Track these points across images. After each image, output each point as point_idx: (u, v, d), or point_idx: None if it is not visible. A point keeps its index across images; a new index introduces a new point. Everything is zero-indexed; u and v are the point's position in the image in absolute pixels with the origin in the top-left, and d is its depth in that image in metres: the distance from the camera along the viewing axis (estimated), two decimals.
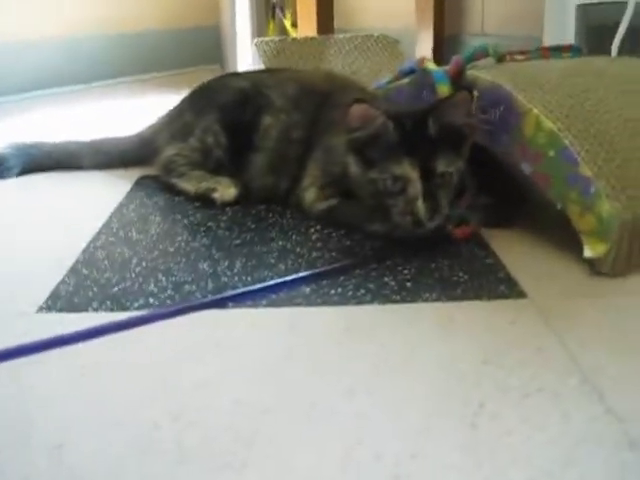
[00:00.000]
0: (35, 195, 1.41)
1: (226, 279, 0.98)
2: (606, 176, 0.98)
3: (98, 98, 2.57)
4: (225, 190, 1.26)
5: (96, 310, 0.90)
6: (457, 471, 0.60)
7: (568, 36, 1.97)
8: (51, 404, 0.71)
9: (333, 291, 0.94)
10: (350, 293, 0.93)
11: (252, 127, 1.27)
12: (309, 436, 0.65)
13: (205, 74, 1.68)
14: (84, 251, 1.09)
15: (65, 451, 0.63)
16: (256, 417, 0.68)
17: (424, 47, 2.56)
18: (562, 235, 1.03)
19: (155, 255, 1.07)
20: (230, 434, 0.65)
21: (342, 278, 0.97)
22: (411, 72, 1.27)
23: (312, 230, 1.15)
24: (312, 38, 1.96)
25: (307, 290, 0.94)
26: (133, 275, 1.00)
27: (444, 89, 1.14)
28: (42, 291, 0.95)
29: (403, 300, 0.91)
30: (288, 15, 2.90)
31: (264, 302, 0.91)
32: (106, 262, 1.05)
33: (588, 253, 0.97)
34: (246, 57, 2.80)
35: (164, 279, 0.98)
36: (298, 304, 0.90)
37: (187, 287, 0.96)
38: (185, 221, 1.21)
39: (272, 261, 1.03)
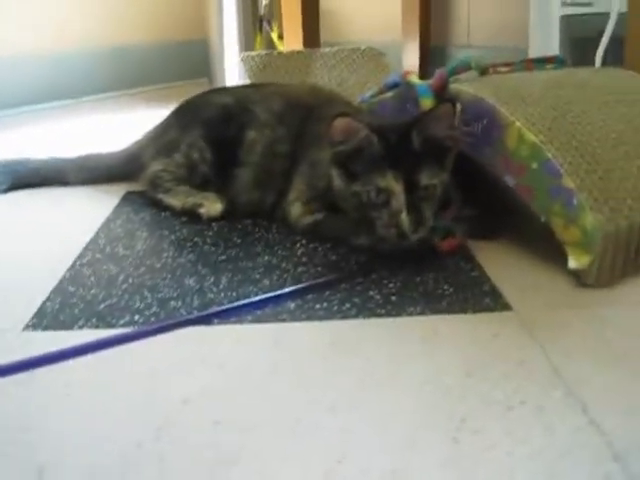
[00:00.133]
0: (21, 211, 1.41)
1: (212, 295, 0.98)
2: (589, 188, 0.98)
3: (87, 113, 2.57)
4: (211, 205, 1.27)
5: (81, 328, 0.90)
6: None
7: (553, 47, 1.99)
8: (35, 424, 0.70)
9: (318, 305, 0.94)
10: (335, 307, 0.93)
11: (237, 142, 1.28)
12: (294, 451, 0.65)
13: (193, 88, 1.68)
14: (70, 268, 1.08)
15: (47, 471, 0.63)
16: (240, 433, 0.68)
17: (410, 59, 2.57)
18: (547, 246, 1.04)
19: (141, 271, 1.07)
20: (214, 450, 0.65)
21: (327, 293, 0.97)
22: (395, 86, 1.28)
23: (298, 245, 1.15)
24: (298, 52, 1.96)
25: (292, 305, 0.94)
26: (119, 292, 1.00)
27: (427, 103, 1.15)
28: (28, 308, 0.95)
29: (388, 314, 0.91)
30: (275, 27, 2.91)
31: (249, 318, 0.91)
32: (92, 279, 1.04)
33: (572, 264, 0.97)
34: (234, 71, 2.81)
35: (150, 296, 0.98)
36: (283, 320, 0.90)
37: (173, 303, 0.96)
38: (172, 237, 1.21)
39: (257, 276, 1.03)
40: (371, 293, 0.97)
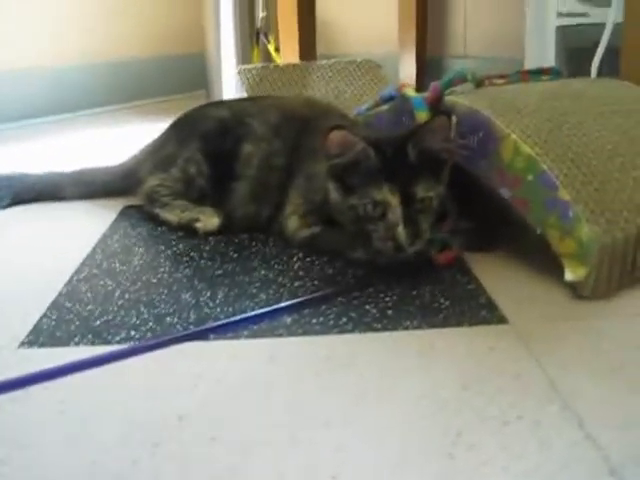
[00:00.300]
0: (18, 226, 1.41)
1: (208, 310, 0.98)
2: (584, 200, 0.98)
3: (84, 127, 2.57)
4: (208, 220, 1.27)
5: (78, 344, 0.90)
6: None
7: (548, 58, 2.00)
8: (30, 442, 0.70)
9: (315, 320, 0.94)
10: (332, 322, 0.93)
11: (233, 156, 1.28)
12: (289, 468, 0.65)
13: (191, 101, 1.69)
14: (67, 283, 1.08)
15: None
16: (235, 450, 0.67)
17: (407, 70, 2.57)
18: (544, 258, 1.04)
19: (138, 287, 1.06)
20: (209, 467, 0.65)
21: (324, 307, 0.97)
22: (391, 98, 1.28)
23: (294, 258, 1.15)
24: (295, 65, 1.97)
25: (289, 320, 0.94)
26: (115, 308, 0.99)
27: (422, 115, 1.15)
28: (24, 325, 0.95)
29: (384, 328, 0.91)
30: (272, 40, 2.92)
31: (245, 333, 0.91)
32: (89, 294, 1.04)
33: (569, 276, 0.97)
34: (231, 84, 2.81)
35: (146, 311, 0.98)
36: (279, 335, 0.90)
37: (169, 319, 0.95)
38: (168, 251, 1.21)
39: (254, 291, 1.03)
40: (367, 307, 0.97)
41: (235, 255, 1.18)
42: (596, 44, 1.83)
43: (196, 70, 2.98)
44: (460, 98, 1.16)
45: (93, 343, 0.90)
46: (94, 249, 1.23)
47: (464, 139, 1.11)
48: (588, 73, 1.81)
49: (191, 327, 0.93)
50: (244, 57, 2.91)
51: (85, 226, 1.38)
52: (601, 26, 1.83)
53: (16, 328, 0.94)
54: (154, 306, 1.00)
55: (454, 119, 1.09)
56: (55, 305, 1.01)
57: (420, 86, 2.46)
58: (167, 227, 1.32)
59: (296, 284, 1.05)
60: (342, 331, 0.91)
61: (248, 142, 1.28)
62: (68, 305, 1.01)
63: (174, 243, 1.25)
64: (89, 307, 1.00)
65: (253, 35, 3.01)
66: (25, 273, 1.15)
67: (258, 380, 0.80)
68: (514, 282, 1.04)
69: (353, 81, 1.93)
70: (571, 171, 1.01)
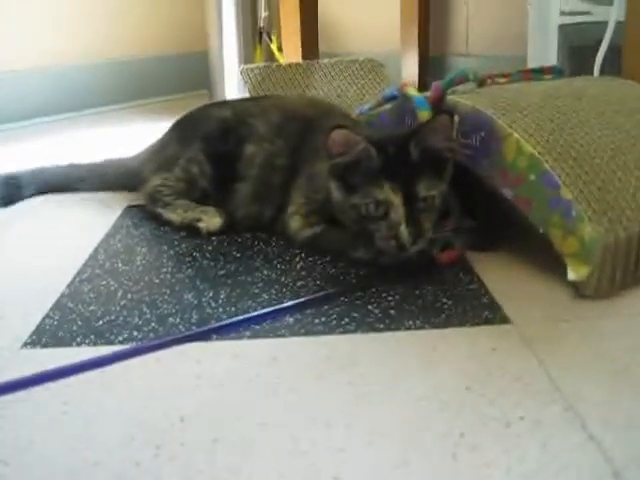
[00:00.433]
0: (21, 226, 1.41)
1: (210, 310, 0.98)
2: (587, 199, 0.98)
3: (87, 126, 2.57)
4: (210, 220, 1.27)
5: (80, 345, 0.90)
6: None
7: (551, 56, 1.99)
8: (32, 443, 0.70)
9: (317, 320, 0.94)
10: (334, 322, 0.93)
11: (236, 156, 1.28)
12: (290, 470, 0.65)
13: (193, 100, 1.69)
14: (70, 284, 1.08)
15: None
16: (237, 452, 0.67)
17: (409, 69, 2.57)
18: (546, 257, 1.03)
19: (140, 287, 1.07)
20: (211, 468, 0.65)
21: (326, 307, 0.97)
22: (393, 98, 1.28)
23: (297, 258, 1.15)
24: (297, 64, 1.96)
25: (291, 320, 0.94)
26: (118, 308, 1.00)
27: (424, 115, 1.15)
28: (27, 325, 0.95)
29: (387, 328, 0.91)
30: (274, 39, 2.92)
31: (248, 334, 0.91)
32: (91, 295, 1.04)
33: (571, 276, 0.97)
34: (234, 83, 2.81)
35: (148, 312, 0.98)
36: (281, 335, 0.90)
37: (171, 319, 0.95)
38: (171, 251, 1.21)
39: (256, 291, 1.03)
40: (370, 307, 0.97)
41: (238, 255, 1.18)
42: (598, 42, 1.82)
43: (199, 69, 2.98)
44: (462, 97, 1.15)
45: (96, 344, 0.90)
46: (97, 249, 1.23)
47: (466, 138, 1.11)
48: (590, 71, 1.81)
49: (193, 327, 0.93)
50: (247, 56, 2.90)
51: (88, 225, 1.38)
52: (603, 24, 1.82)
53: (19, 328, 0.94)
54: (156, 306, 1.00)
55: (456, 118, 1.09)
56: (58, 305, 1.01)
57: (422, 84, 2.46)
58: (170, 227, 1.32)
59: (298, 284, 1.05)
60: (344, 331, 0.91)
61: (250, 142, 1.28)
62: (71, 305, 1.01)
63: (177, 243, 1.25)
64: (91, 307, 1.00)
65: (256, 34, 3.01)
66: (27, 273, 1.15)
67: (260, 380, 0.80)
68: (516, 281, 1.04)
69: (355, 80, 1.92)
70: (573, 170, 1.01)
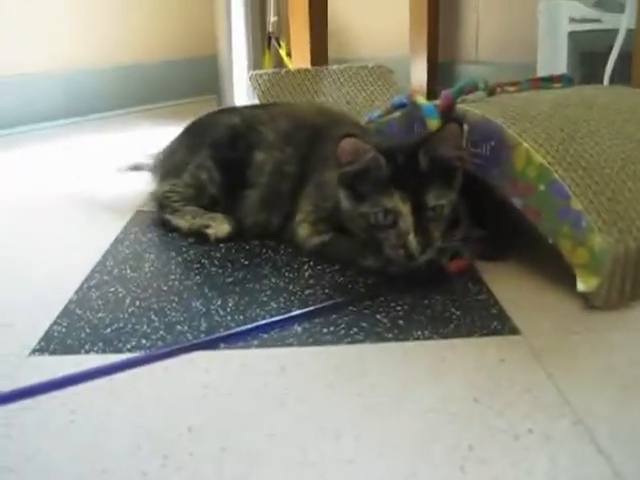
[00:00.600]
0: (29, 232, 1.41)
1: (219, 318, 0.98)
2: (597, 209, 0.98)
3: (94, 131, 2.57)
4: (219, 226, 1.27)
5: (88, 352, 0.90)
6: None
7: (561, 63, 1.99)
8: (39, 451, 0.70)
9: (325, 330, 0.93)
10: (342, 332, 0.93)
11: (245, 163, 1.28)
12: None
13: (202, 105, 1.69)
14: (78, 290, 1.08)
15: None
16: (245, 463, 0.67)
17: (418, 75, 2.57)
18: (556, 267, 1.03)
19: (148, 294, 1.06)
20: (219, 479, 0.65)
21: (335, 316, 0.97)
22: (402, 106, 1.28)
23: (305, 266, 1.15)
24: (306, 70, 1.96)
25: (299, 329, 0.94)
26: (126, 315, 1.00)
27: (434, 123, 1.15)
28: (34, 332, 0.95)
29: (395, 338, 0.91)
30: (283, 45, 2.92)
31: (256, 342, 0.91)
32: (99, 302, 1.04)
33: (581, 287, 0.97)
34: (242, 88, 2.82)
35: (157, 319, 0.98)
36: (290, 344, 0.90)
37: (179, 327, 0.95)
38: (179, 258, 1.21)
39: (265, 299, 1.03)
40: (378, 317, 0.97)
41: (246, 262, 1.18)
42: (609, 50, 1.82)
43: (207, 74, 2.98)
44: (472, 106, 1.15)
45: (104, 351, 0.90)
46: (105, 255, 1.23)
47: (476, 147, 1.11)
48: (600, 79, 1.81)
49: (202, 335, 0.93)
50: (255, 61, 2.91)
51: (96, 231, 1.38)
52: (614, 32, 1.82)
53: (27, 335, 0.94)
54: (165, 314, 1.00)
55: (466, 127, 1.09)
56: (66, 312, 1.01)
57: (431, 90, 2.46)
58: (178, 233, 1.32)
59: (307, 292, 1.05)
60: (353, 341, 0.90)
61: (260, 149, 1.28)
62: (79, 312, 1.01)
63: (185, 250, 1.25)
64: (100, 314, 1.00)
65: (264, 39, 3.01)
66: (35, 279, 1.15)
67: (268, 391, 0.80)
68: (526, 292, 1.04)
69: (365, 86, 1.92)
70: (583, 180, 1.01)
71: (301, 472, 0.66)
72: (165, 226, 1.35)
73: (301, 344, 0.90)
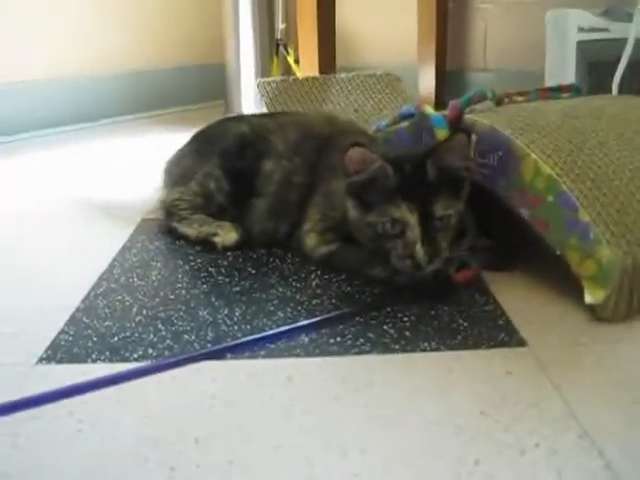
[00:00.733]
0: (36, 239, 1.41)
1: (226, 328, 0.98)
2: (605, 221, 0.98)
3: (104, 136, 2.58)
4: (226, 235, 1.27)
5: (95, 361, 0.90)
6: None
7: (569, 72, 1.99)
8: (46, 461, 0.70)
9: (332, 340, 0.93)
10: (349, 342, 0.93)
11: (253, 172, 1.28)
12: None
13: (210, 111, 1.69)
14: (85, 298, 1.08)
15: None
16: (252, 474, 0.67)
17: (426, 83, 2.57)
18: (563, 279, 1.03)
19: (155, 303, 1.07)
20: None
21: (341, 326, 0.97)
22: (410, 115, 1.28)
23: (312, 275, 1.15)
24: (314, 78, 1.96)
25: (306, 340, 0.94)
26: (133, 324, 1.00)
27: (442, 133, 1.15)
28: (41, 341, 0.95)
29: (402, 350, 0.91)
30: (291, 52, 2.92)
31: (262, 353, 0.91)
32: (107, 310, 1.04)
33: (588, 299, 0.97)
34: (250, 94, 2.82)
35: (163, 328, 0.98)
36: (296, 355, 0.90)
37: (186, 337, 0.95)
38: (186, 267, 1.21)
39: (272, 309, 1.03)
40: (385, 327, 0.97)
41: (253, 271, 1.18)
42: (617, 59, 1.81)
43: (215, 80, 2.98)
44: (480, 116, 1.15)
45: (111, 360, 0.90)
46: (112, 263, 1.23)
47: (484, 158, 1.11)
48: (609, 88, 1.80)
49: (209, 345, 0.93)
50: (263, 68, 2.91)
51: (103, 239, 1.38)
52: (622, 41, 1.82)
53: (33, 344, 0.94)
54: (172, 323, 1.00)
55: (474, 137, 1.09)
56: (73, 320, 1.01)
57: (439, 98, 2.46)
58: (185, 241, 1.32)
59: (314, 302, 1.05)
60: (360, 352, 0.90)
61: (269, 159, 1.28)
62: (86, 321, 1.01)
63: (192, 258, 1.25)
64: (107, 323, 1.00)
65: (273, 46, 3.01)
66: (42, 287, 1.16)
67: (275, 402, 0.80)
68: (533, 303, 1.03)
69: (372, 95, 1.92)
70: (592, 192, 1.00)
71: None
72: (172, 234, 1.35)
73: (308, 355, 0.90)
